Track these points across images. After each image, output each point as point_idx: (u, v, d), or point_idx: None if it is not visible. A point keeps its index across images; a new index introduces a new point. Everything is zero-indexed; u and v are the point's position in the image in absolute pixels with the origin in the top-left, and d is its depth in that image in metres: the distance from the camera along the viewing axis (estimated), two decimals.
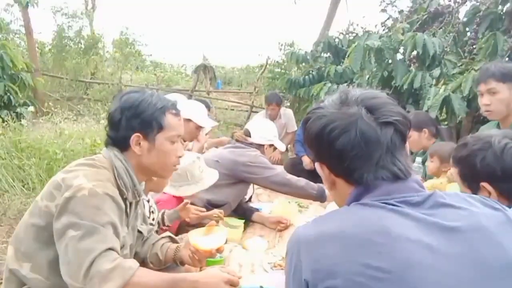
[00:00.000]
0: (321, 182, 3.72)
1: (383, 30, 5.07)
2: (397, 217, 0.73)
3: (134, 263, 1.17)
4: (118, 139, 1.32)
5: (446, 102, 2.81)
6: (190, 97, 3.45)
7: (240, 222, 2.60)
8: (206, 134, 3.27)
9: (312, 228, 0.78)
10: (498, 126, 2.01)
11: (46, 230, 1.17)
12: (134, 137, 1.30)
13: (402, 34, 3.51)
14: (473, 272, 0.69)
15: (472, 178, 1.23)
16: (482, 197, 0.82)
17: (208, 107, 3.31)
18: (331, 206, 3.38)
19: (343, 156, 0.79)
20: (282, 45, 7.71)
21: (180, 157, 1.42)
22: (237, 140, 2.68)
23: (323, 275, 0.70)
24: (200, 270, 1.67)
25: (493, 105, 1.93)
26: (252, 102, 8.03)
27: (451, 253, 0.70)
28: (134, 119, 1.29)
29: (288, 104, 6.24)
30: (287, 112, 5.05)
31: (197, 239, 1.54)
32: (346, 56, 4.20)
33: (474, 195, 0.82)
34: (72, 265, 1.10)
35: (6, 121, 4.58)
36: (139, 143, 1.31)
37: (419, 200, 0.77)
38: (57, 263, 1.14)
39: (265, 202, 3.31)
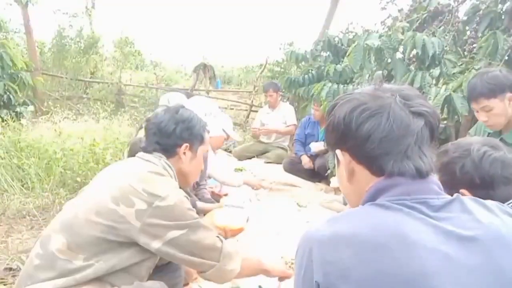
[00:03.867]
0: (319, 180, 3.74)
1: (383, 29, 5.06)
2: (414, 222, 0.71)
3: (236, 248, 1.51)
4: (167, 146, 1.51)
5: (447, 101, 2.80)
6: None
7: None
8: None
9: (326, 228, 0.75)
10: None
11: (115, 229, 1.28)
12: (184, 146, 1.52)
13: (402, 33, 3.50)
14: (492, 283, 0.66)
15: (452, 185, 1.23)
16: (500, 204, 0.80)
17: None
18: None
19: (371, 138, 0.76)
20: (281, 44, 7.69)
21: (201, 170, 1.69)
22: None
23: (336, 278, 0.68)
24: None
25: (491, 120, 1.92)
26: (252, 101, 8.01)
27: (469, 263, 0.67)
28: (187, 130, 1.52)
29: (288, 103, 6.24)
30: (287, 106, 5.32)
31: (225, 220, 1.74)
32: (346, 55, 4.19)
33: (492, 201, 0.80)
34: (205, 250, 1.37)
35: (6, 120, 4.58)
36: (184, 152, 1.53)
37: (439, 204, 0.75)
38: (107, 252, 1.28)
39: (264, 202, 3.31)
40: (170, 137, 1.50)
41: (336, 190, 3.39)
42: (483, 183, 1.15)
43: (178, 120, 1.52)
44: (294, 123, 5.04)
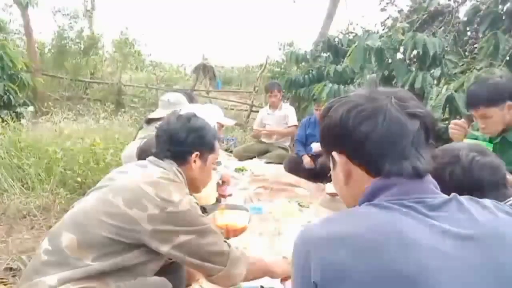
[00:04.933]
0: (320, 180, 3.72)
1: (383, 29, 5.06)
2: (412, 222, 0.71)
3: (242, 251, 1.56)
4: (178, 154, 1.53)
5: (449, 101, 2.81)
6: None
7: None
8: None
9: (323, 228, 0.75)
10: None
11: (126, 231, 1.31)
12: (195, 154, 1.54)
13: (402, 34, 3.51)
14: (491, 282, 0.66)
15: (441, 191, 1.24)
16: (497, 202, 0.80)
17: (192, 98, 3.34)
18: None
19: (368, 139, 0.76)
20: (281, 44, 7.71)
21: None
22: None
23: (334, 278, 0.67)
24: None
25: (488, 128, 1.93)
26: (252, 102, 8.02)
27: (468, 262, 0.67)
28: (198, 139, 1.55)
29: (288, 103, 6.24)
30: (288, 107, 5.27)
31: (227, 219, 1.81)
32: (347, 56, 4.20)
33: (488, 200, 0.80)
34: (213, 255, 1.40)
35: (6, 120, 4.57)
36: (195, 161, 1.55)
37: (436, 204, 0.75)
38: (115, 253, 1.30)
39: (265, 202, 3.31)
40: (182, 145, 1.53)
41: (331, 196, 3.38)
42: (473, 189, 1.15)
43: (190, 128, 1.54)
44: (295, 124, 5.03)
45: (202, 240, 1.38)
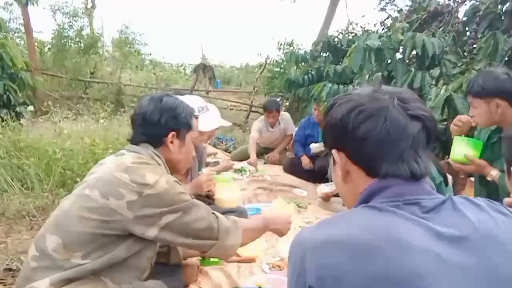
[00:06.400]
0: (319, 181, 3.69)
1: (383, 29, 5.06)
2: (407, 223, 0.71)
3: (234, 218, 1.53)
4: (154, 136, 1.49)
5: (448, 102, 2.80)
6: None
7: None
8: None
9: (318, 232, 0.74)
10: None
11: (108, 223, 1.28)
12: (171, 135, 1.48)
13: (402, 34, 3.50)
14: (485, 283, 0.66)
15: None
16: (489, 201, 0.80)
17: None
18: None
19: (367, 140, 0.76)
20: (281, 44, 7.70)
21: (194, 156, 1.68)
22: None
23: (329, 282, 0.67)
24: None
25: (475, 118, 1.96)
26: (251, 102, 8.01)
27: (463, 263, 0.67)
28: (172, 119, 1.49)
29: (287, 104, 6.24)
30: (285, 117, 5.10)
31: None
32: (346, 56, 4.19)
33: (481, 198, 0.80)
34: (202, 231, 1.38)
35: (6, 120, 4.57)
36: (172, 141, 1.49)
37: (430, 206, 0.75)
38: (106, 247, 1.28)
39: (264, 202, 3.31)
40: (155, 126, 1.47)
41: (324, 198, 3.38)
42: None
43: (162, 109, 1.48)
44: (293, 133, 4.98)
45: (187, 217, 1.35)
